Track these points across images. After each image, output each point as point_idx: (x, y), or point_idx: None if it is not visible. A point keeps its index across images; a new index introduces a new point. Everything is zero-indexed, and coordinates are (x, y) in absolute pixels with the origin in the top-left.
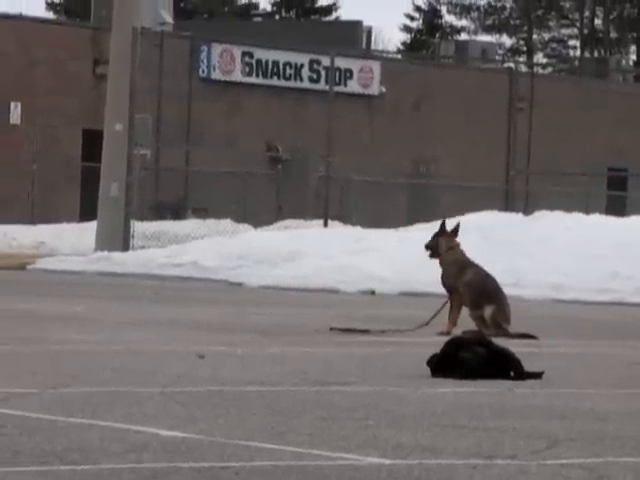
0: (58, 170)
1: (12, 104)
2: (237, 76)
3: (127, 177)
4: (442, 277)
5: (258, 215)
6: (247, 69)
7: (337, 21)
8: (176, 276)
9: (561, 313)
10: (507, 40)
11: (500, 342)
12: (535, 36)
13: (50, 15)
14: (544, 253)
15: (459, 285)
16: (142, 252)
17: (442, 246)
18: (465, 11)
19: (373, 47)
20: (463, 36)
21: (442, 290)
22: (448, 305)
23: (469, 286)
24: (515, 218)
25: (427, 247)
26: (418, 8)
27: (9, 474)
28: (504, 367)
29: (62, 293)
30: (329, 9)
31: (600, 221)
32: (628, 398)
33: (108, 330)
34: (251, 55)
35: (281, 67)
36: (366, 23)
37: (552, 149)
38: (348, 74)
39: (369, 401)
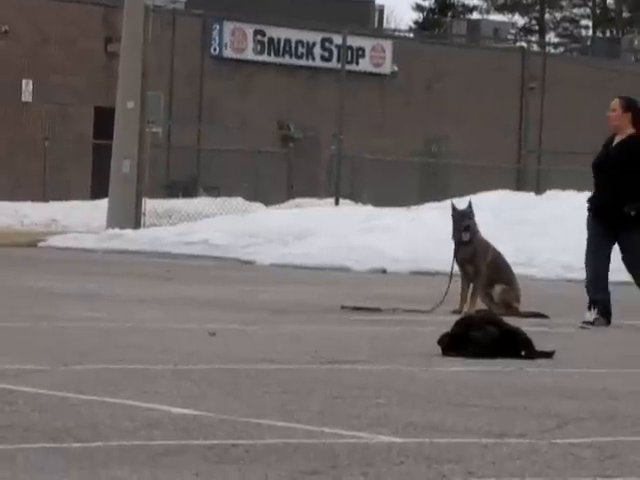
0: (70, 148)
1: (24, 82)
2: (249, 54)
3: (139, 155)
4: (471, 256)
5: (269, 193)
6: (259, 47)
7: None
8: (187, 254)
9: (572, 293)
10: (519, 19)
11: (511, 321)
12: (547, 15)
13: None
14: (556, 232)
15: (483, 265)
16: (153, 230)
17: (475, 226)
18: None
19: (385, 26)
20: (475, 15)
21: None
22: (459, 283)
23: (490, 266)
24: (527, 197)
25: (466, 228)
26: None
27: (20, 450)
28: (515, 346)
29: (73, 270)
30: None
31: None
32: (639, 378)
33: (120, 308)
34: (263, 33)
35: (293, 45)
36: (378, 2)
37: (564, 128)
38: (360, 53)
39: (380, 380)
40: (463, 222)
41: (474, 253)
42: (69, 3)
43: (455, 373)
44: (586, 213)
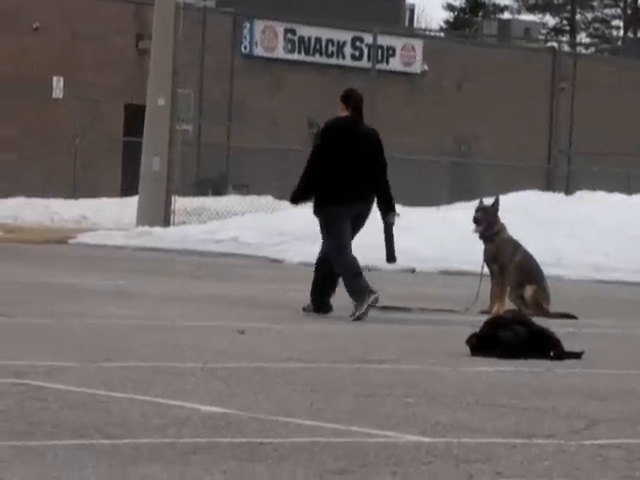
0: (100, 145)
1: (55, 78)
2: (279, 53)
3: (169, 152)
4: (495, 255)
5: None
6: (289, 46)
7: None
8: (216, 252)
9: (602, 293)
10: (550, 19)
11: (540, 322)
12: (578, 16)
13: None
14: (585, 233)
15: (510, 265)
16: (183, 228)
17: (499, 224)
18: None
19: (416, 25)
20: (506, 15)
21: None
22: (488, 283)
23: (519, 266)
24: (557, 198)
25: (479, 221)
26: None
27: (50, 447)
28: (544, 347)
29: (103, 268)
30: None
31: None
32: None
33: (149, 305)
34: (294, 32)
35: (323, 44)
36: (409, 1)
37: (594, 129)
38: (390, 52)
39: (408, 379)
40: (476, 214)
41: (497, 252)
42: (100, 0)
43: (483, 373)
44: (616, 213)
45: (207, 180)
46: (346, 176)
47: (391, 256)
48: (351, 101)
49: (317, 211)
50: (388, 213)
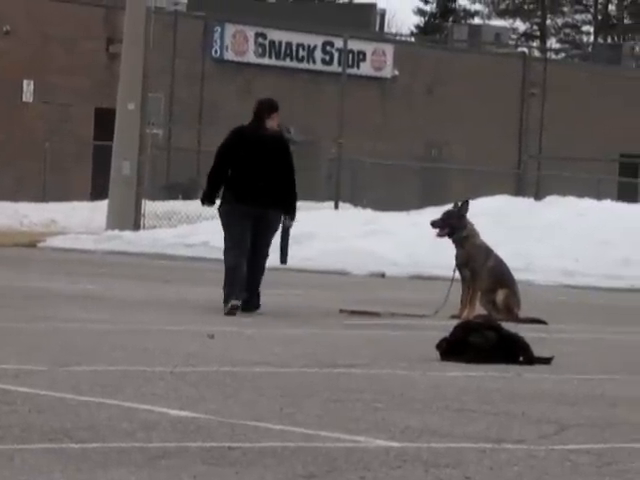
0: (70, 148)
1: (25, 82)
2: (250, 57)
3: (139, 156)
4: (466, 260)
5: None
6: (260, 50)
7: (351, 3)
8: (187, 256)
9: (571, 299)
10: (520, 25)
11: (510, 327)
12: (549, 21)
13: None
14: (555, 238)
15: (483, 271)
16: (153, 232)
17: (470, 228)
18: None
19: (386, 30)
20: (477, 20)
21: (451, 274)
22: (458, 288)
23: (491, 272)
24: (526, 203)
25: (435, 224)
26: None
27: (18, 451)
28: (513, 352)
29: (72, 271)
30: None
31: (612, 207)
32: (638, 384)
33: (118, 309)
34: (264, 36)
35: (294, 48)
36: (380, 6)
37: (564, 135)
38: (361, 57)
39: (378, 384)
40: (436, 218)
41: (469, 257)
42: (71, 4)
43: (453, 378)
44: (586, 219)
45: (177, 184)
46: (241, 177)
47: (284, 259)
48: (255, 108)
49: (218, 208)
50: (286, 217)
